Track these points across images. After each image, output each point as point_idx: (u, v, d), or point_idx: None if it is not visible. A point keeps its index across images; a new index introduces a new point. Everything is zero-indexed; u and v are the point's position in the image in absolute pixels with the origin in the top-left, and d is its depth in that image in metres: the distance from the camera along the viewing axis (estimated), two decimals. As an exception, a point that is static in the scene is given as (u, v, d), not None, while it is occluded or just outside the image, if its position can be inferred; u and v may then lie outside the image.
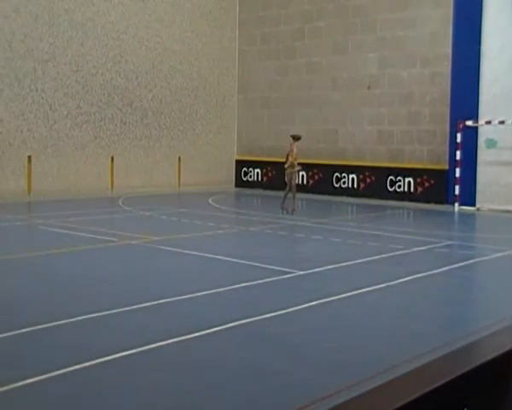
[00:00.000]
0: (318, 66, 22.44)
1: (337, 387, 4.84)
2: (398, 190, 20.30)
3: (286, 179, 16.38)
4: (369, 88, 21.12)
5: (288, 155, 16.26)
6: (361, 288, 8.27)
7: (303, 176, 22.54)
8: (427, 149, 19.99)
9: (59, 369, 5.06)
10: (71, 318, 6.53)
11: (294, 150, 16.16)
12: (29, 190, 18.77)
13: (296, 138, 16.40)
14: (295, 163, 16.18)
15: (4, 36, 18.09)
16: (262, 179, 23.82)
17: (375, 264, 10.05)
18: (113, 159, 20.77)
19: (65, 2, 19.45)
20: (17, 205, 17.04)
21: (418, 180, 19.88)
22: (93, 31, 20.19)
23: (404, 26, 20.32)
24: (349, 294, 7.93)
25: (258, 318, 6.76)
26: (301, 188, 22.45)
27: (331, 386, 4.90)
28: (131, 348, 5.59)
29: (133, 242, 11.47)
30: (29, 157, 18.73)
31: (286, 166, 16.31)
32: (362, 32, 21.33)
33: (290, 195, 16.21)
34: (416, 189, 19.95)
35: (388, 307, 7.67)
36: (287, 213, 16.01)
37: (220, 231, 13.20)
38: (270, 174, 23.57)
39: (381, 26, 20.85)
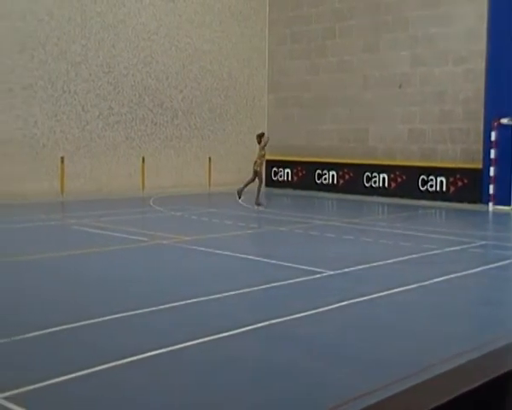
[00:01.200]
0: (349, 65, 22.26)
1: (369, 387, 4.76)
2: (430, 189, 20.01)
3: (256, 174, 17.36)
4: (400, 86, 20.87)
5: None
6: (393, 288, 8.14)
7: (333, 176, 22.42)
8: (461, 147, 19.65)
9: (85, 369, 5.07)
10: (100, 317, 6.56)
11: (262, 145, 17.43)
12: (62, 190, 19.03)
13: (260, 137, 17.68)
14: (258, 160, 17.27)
15: (38, 39, 18.37)
16: (292, 179, 23.73)
17: (406, 264, 9.90)
18: (144, 159, 20.94)
19: (97, 4, 19.67)
20: (50, 205, 17.28)
21: (451, 179, 19.56)
22: (124, 32, 20.37)
23: (436, 22, 20.02)
24: (380, 294, 7.82)
25: (287, 318, 6.70)
26: (331, 188, 22.34)
27: (362, 386, 4.82)
28: (159, 348, 5.58)
29: (164, 242, 11.51)
30: (62, 158, 18.99)
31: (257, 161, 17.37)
32: (393, 30, 21.08)
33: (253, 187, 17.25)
34: (448, 188, 19.63)
35: (420, 307, 7.53)
36: (260, 205, 16.91)
37: (250, 231, 13.17)
38: (300, 174, 23.48)
39: (413, 24, 20.58)
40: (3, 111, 17.75)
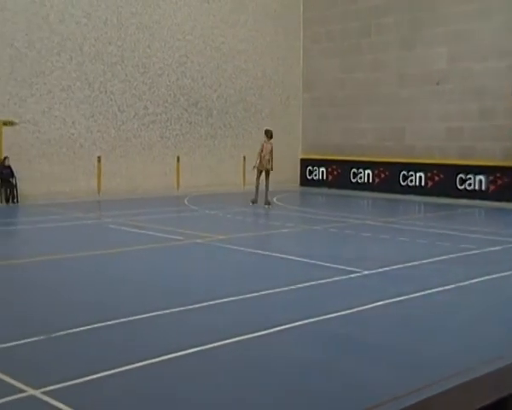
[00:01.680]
0: (385, 62, 22.00)
1: (406, 388, 4.66)
2: (468, 188, 19.63)
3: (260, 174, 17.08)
4: (438, 83, 20.53)
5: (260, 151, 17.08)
6: (430, 288, 8.00)
7: (368, 174, 22.20)
8: (501, 145, 19.22)
9: (121, 366, 5.11)
10: (136, 315, 6.59)
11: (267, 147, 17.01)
12: (99, 189, 19.28)
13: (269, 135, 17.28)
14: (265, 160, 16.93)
15: (76, 41, 18.65)
16: (327, 178, 23.57)
17: (444, 264, 9.72)
18: (179, 158, 21.06)
19: (132, 5, 19.87)
20: (87, 204, 17.52)
21: (491, 178, 19.16)
22: (159, 33, 20.53)
23: (476, 17, 19.63)
24: (417, 294, 7.68)
25: (323, 317, 6.64)
26: (367, 186, 22.11)
27: (400, 387, 4.73)
28: (194, 347, 5.58)
29: (198, 240, 11.54)
30: (99, 157, 19.25)
31: (258, 161, 17.01)
32: (430, 26, 20.75)
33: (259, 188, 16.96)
34: (487, 187, 19.23)
35: (459, 307, 7.37)
36: (269, 205, 16.69)
37: (285, 230, 13.12)
38: (335, 173, 23.31)
39: (451, 19, 20.22)
40: (43, 112, 18.06)
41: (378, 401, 4.52)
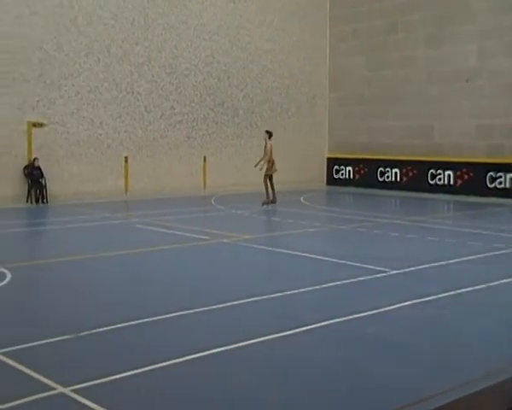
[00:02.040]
0: (413, 60, 21.76)
1: (433, 390, 4.59)
2: (498, 186, 19.31)
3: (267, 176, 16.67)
4: (467, 81, 20.23)
5: (269, 153, 16.59)
6: (459, 288, 7.87)
7: (396, 173, 21.99)
8: (532, 143, 18.88)
9: (145, 366, 5.12)
10: (163, 314, 6.61)
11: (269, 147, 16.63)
12: (126, 189, 19.44)
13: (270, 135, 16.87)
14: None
15: (104, 42, 18.83)
16: (354, 177, 23.41)
17: (474, 263, 9.56)
18: (205, 158, 21.13)
19: (159, 6, 19.98)
20: (115, 204, 17.67)
21: (521, 176, 18.83)
22: (186, 33, 20.61)
23: (505, 13, 19.30)
24: (446, 294, 7.56)
25: (350, 317, 6.57)
26: (394, 185, 21.89)
27: (426, 388, 4.65)
28: (220, 346, 5.58)
29: (225, 240, 11.55)
30: (126, 158, 19.41)
31: (263, 163, 16.61)
32: (459, 23, 20.46)
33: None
34: (518, 185, 18.90)
35: (488, 308, 7.24)
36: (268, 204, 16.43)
37: (312, 230, 13.05)
38: (362, 171, 23.14)
39: (480, 15, 19.91)
40: (71, 114, 18.27)
41: (405, 402, 4.47)
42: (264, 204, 16.60)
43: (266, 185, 16.66)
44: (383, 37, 22.59)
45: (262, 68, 22.63)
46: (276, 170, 16.77)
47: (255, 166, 16.94)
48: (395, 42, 22.26)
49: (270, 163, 16.62)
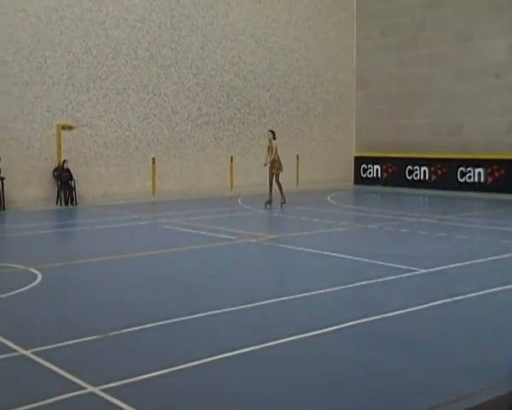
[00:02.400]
0: (441, 56, 21.50)
1: (462, 391, 4.52)
2: (531, 183, 18.98)
3: (273, 177, 16.35)
4: (497, 77, 19.90)
5: (274, 152, 16.27)
6: (490, 287, 7.74)
7: (424, 171, 21.76)
8: None
9: (173, 366, 5.15)
10: (190, 315, 6.64)
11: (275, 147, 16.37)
12: (153, 190, 19.58)
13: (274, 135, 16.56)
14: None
15: (131, 45, 19.01)
16: (382, 176, 23.23)
17: (505, 262, 9.39)
18: (232, 159, 21.17)
19: (185, 8, 20.09)
20: (142, 205, 17.81)
21: (553, 173, 18.46)
22: (212, 34, 20.69)
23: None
24: (476, 293, 7.45)
25: (379, 317, 6.52)
26: (423, 184, 21.66)
27: (456, 389, 4.59)
28: (249, 346, 5.58)
29: (252, 240, 11.55)
30: (153, 159, 19.55)
31: (268, 163, 16.30)
32: (487, 18, 20.15)
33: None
34: (551, 182, 18.54)
35: (521, 308, 7.10)
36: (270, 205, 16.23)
37: (339, 229, 12.98)
38: (389, 170, 22.94)
39: (509, 9, 19.57)
40: (99, 116, 18.48)
41: (433, 403, 4.41)
42: (282, 204, 16.37)
43: (280, 185, 16.44)
44: (411, 34, 22.36)
45: (288, 68, 22.59)
46: (282, 170, 16.48)
47: (265, 164, 16.56)
48: (423, 39, 22.02)
49: (278, 163, 16.41)
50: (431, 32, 21.78)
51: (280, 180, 16.47)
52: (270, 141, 16.59)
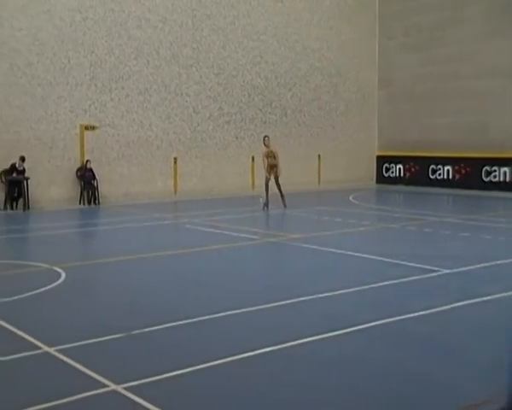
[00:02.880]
0: (464, 54, 21.25)
1: (486, 393, 4.45)
2: (557, 183, 18.66)
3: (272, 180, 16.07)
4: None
5: (273, 156, 16.08)
6: (516, 288, 7.61)
7: (448, 170, 21.54)
8: None
9: (196, 365, 5.16)
10: (213, 314, 6.64)
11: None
12: (175, 190, 19.66)
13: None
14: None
15: (153, 45, 19.10)
16: (404, 175, 23.04)
17: (531, 263, 9.24)
18: (253, 158, 21.15)
19: (207, 8, 20.13)
20: (164, 204, 17.89)
21: None
22: (234, 34, 20.70)
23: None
24: (501, 294, 7.33)
25: (402, 317, 6.45)
26: (446, 183, 21.44)
27: (481, 392, 4.51)
28: (270, 346, 5.55)
29: (273, 240, 11.52)
30: (175, 158, 19.63)
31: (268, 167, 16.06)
32: (510, 15, 19.84)
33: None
34: None
35: (548, 309, 6.98)
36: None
37: (361, 229, 12.90)
38: (413, 169, 22.74)
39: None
40: (121, 116, 18.61)
41: (459, 406, 4.34)
42: (284, 206, 16.20)
43: (280, 187, 16.21)
44: (433, 32, 22.14)
45: (310, 67, 22.52)
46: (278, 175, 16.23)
47: (272, 176, 16.34)
48: (445, 37, 21.78)
49: (276, 167, 16.14)
50: (454, 31, 21.54)
51: (267, 185, 16.23)
52: (267, 147, 16.25)
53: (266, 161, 16.21)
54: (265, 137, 16.67)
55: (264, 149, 16.44)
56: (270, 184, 16.27)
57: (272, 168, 16.24)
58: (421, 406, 4.47)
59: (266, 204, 16.15)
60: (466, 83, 21.20)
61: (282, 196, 16.33)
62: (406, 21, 23.05)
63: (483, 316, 6.68)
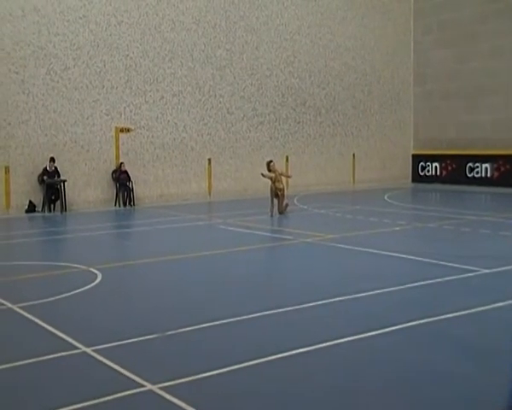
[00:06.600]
0: (504, 50, 20.82)
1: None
2: None
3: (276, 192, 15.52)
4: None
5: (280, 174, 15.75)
6: (558, 288, 7.41)
7: (486, 168, 21.14)
8: None
9: (234, 364, 5.15)
10: (248, 314, 6.63)
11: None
12: (209, 190, 19.74)
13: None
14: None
15: (187, 47, 19.23)
16: (441, 173, 22.69)
17: None
18: (287, 158, 21.11)
19: (240, 9, 20.17)
20: (199, 205, 17.99)
21: None
22: (267, 34, 20.69)
23: None
24: (544, 295, 7.14)
25: (438, 317, 6.34)
26: (484, 181, 21.05)
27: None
28: (306, 346, 5.52)
29: (308, 240, 11.47)
30: (209, 160, 19.71)
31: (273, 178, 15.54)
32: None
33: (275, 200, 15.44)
34: None
35: None
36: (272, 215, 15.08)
37: (397, 228, 12.74)
38: (449, 168, 22.39)
39: None
40: (156, 118, 18.78)
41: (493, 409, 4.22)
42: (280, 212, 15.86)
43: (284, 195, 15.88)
44: (470, 27, 21.75)
45: (344, 66, 22.37)
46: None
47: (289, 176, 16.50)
48: (483, 32, 21.38)
49: (283, 190, 15.62)
50: (491, 25, 21.12)
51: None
52: (274, 172, 15.71)
53: (274, 186, 15.49)
54: (271, 162, 16.03)
55: (270, 174, 15.69)
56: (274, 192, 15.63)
57: (281, 191, 15.55)
58: (453, 408, 4.37)
59: (272, 210, 15.49)
60: (504, 78, 20.77)
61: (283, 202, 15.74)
62: (442, 16, 22.71)
63: (524, 317, 6.52)
